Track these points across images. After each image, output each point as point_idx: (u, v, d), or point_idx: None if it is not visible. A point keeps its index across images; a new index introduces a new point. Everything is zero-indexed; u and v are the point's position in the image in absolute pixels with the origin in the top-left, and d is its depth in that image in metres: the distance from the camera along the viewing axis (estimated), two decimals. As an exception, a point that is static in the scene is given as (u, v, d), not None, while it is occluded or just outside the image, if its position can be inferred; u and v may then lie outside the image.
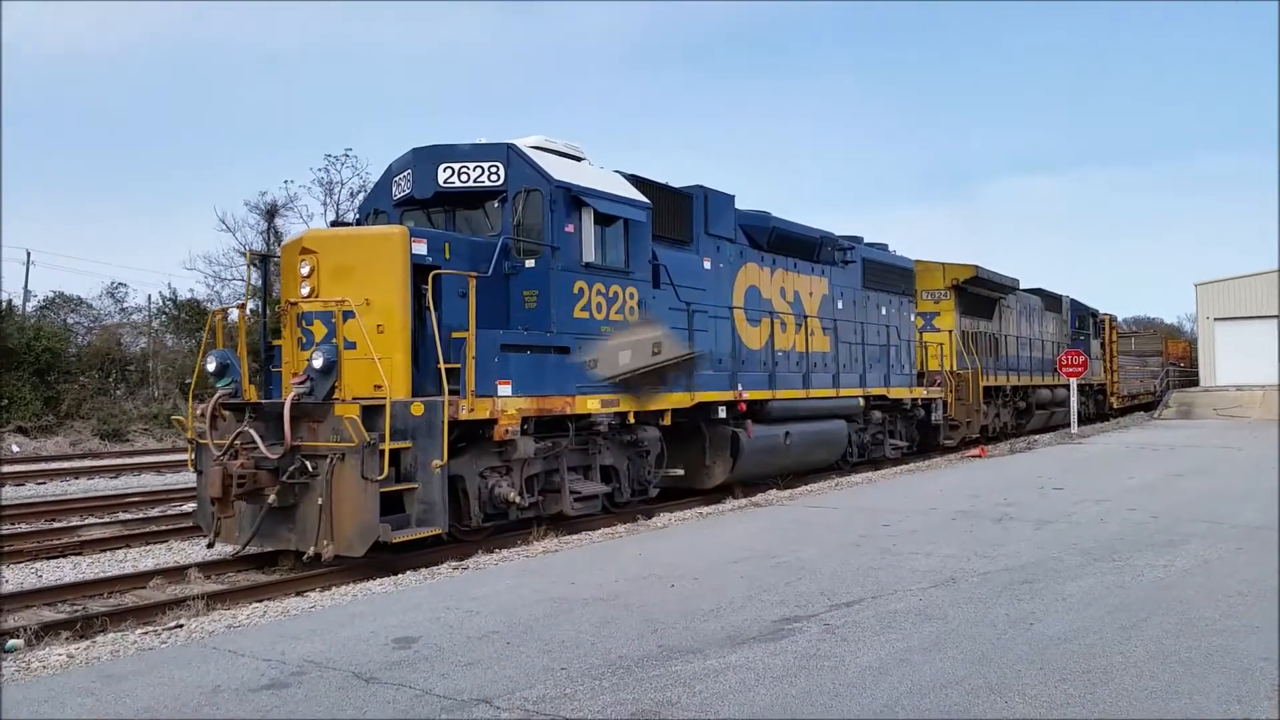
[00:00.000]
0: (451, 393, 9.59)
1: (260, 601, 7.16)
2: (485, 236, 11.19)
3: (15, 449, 24.79)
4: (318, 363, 9.56)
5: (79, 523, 12.76)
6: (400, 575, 7.81)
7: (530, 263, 11.24)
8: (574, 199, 11.41)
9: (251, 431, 9.41)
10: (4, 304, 30.13)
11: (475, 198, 11.72)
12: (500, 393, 10.23)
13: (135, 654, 5.52)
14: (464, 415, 9.71)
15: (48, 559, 10.10)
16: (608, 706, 4.29)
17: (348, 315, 9.69)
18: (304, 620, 6.16)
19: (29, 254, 39.07)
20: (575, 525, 10.74)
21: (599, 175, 12.29)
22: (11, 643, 6.49)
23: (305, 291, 10.27)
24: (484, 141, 11.61)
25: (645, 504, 12.74)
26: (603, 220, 11.76)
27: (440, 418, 9.37)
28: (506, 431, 10.16)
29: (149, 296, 37.54)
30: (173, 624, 6.42)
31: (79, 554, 10.42)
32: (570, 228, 11.40)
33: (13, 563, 9.94)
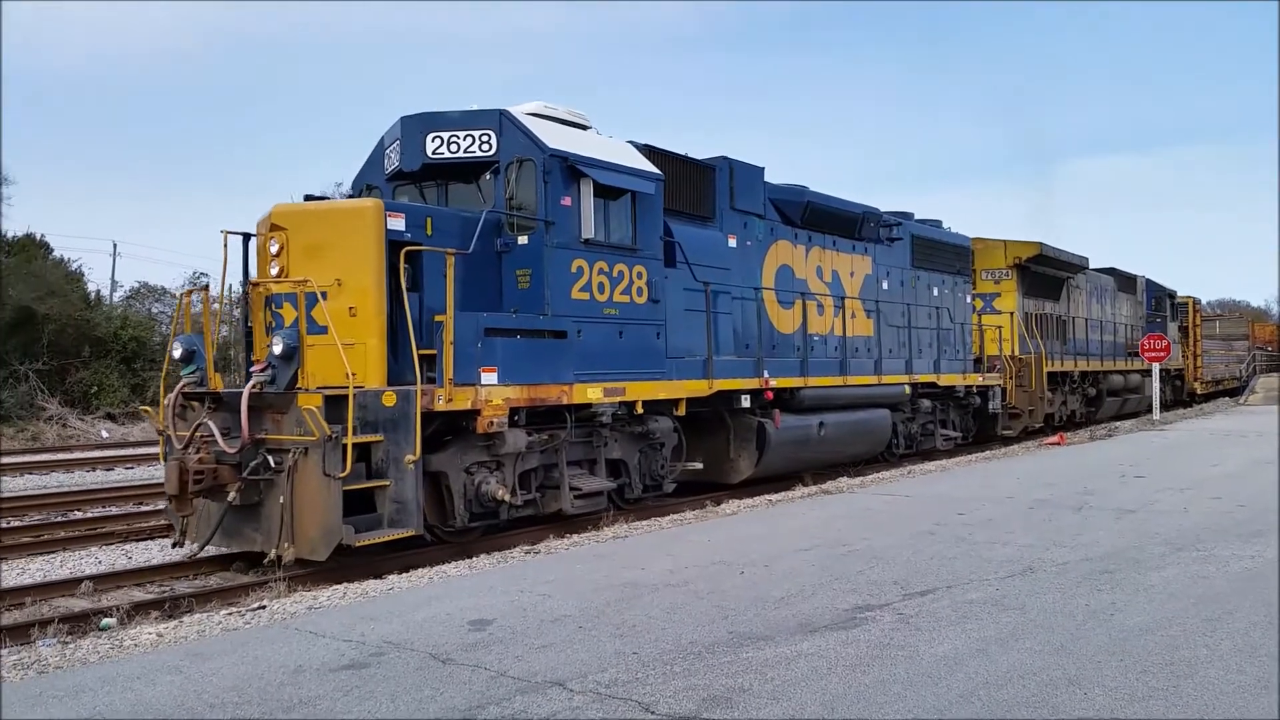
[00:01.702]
0: (430, 381, 9.27)
1: (340, 583, 7.33)
2: (475, 211, 10.73)
3: (105, 434, 25.67)
4: (278, 348, 9.15)
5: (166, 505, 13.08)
6: (474, 559, 8.24)
7: (523, 239, 10.69)
8: (571, 169, 10.82)
9: (211, 424, 9.04)
10: (93, 294, 31.11)
11: (468, 170, 11.19)
12: (484, 381, 9.70)
13: (220, 634, 5.85)
14: (440, 406, 9.25)
15: (136, 541, 10.61)
16: (680, 691, 4.38)
17: (312, 297, 9.28)
18: (382, 602, 6.44)
19: (115, 245, 40.31)
20: (648, 512, 10.56)
21: (603, 144, 11.77)
22: (105, 621, 6.80)
23: (275, 271, 9.82)
24: (476, 108, 11.10)
25: (660, 500, 12.51)
26: (605, 193, 11.20)
27: (413, 409, 8.95)
28: (491, 423, 9.61)
29: (229, 286, 38.34)
30: (256, 605, 6.82)
31: (165, 536, 10.77)
32: (567, 200, 10.80)
33: (104, 544, 10.33)
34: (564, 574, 7.73)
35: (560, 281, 10.63)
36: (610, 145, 11.82)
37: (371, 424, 9.01)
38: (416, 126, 11.14)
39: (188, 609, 7.83)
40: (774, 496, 12.27)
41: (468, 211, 10.57)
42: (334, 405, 8.70)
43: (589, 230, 10.89)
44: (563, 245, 10.66)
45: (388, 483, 9.05)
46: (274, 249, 9.84)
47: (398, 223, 9.85)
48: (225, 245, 10.17)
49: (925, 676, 4.89)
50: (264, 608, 7.09)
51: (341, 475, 8.48)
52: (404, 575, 8.20)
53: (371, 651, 5.62)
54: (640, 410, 11.62)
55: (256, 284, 9.99)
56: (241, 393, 8.86)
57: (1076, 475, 13.45)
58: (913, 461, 16.83)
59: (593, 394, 10.90)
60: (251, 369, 9.34)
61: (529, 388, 10.14)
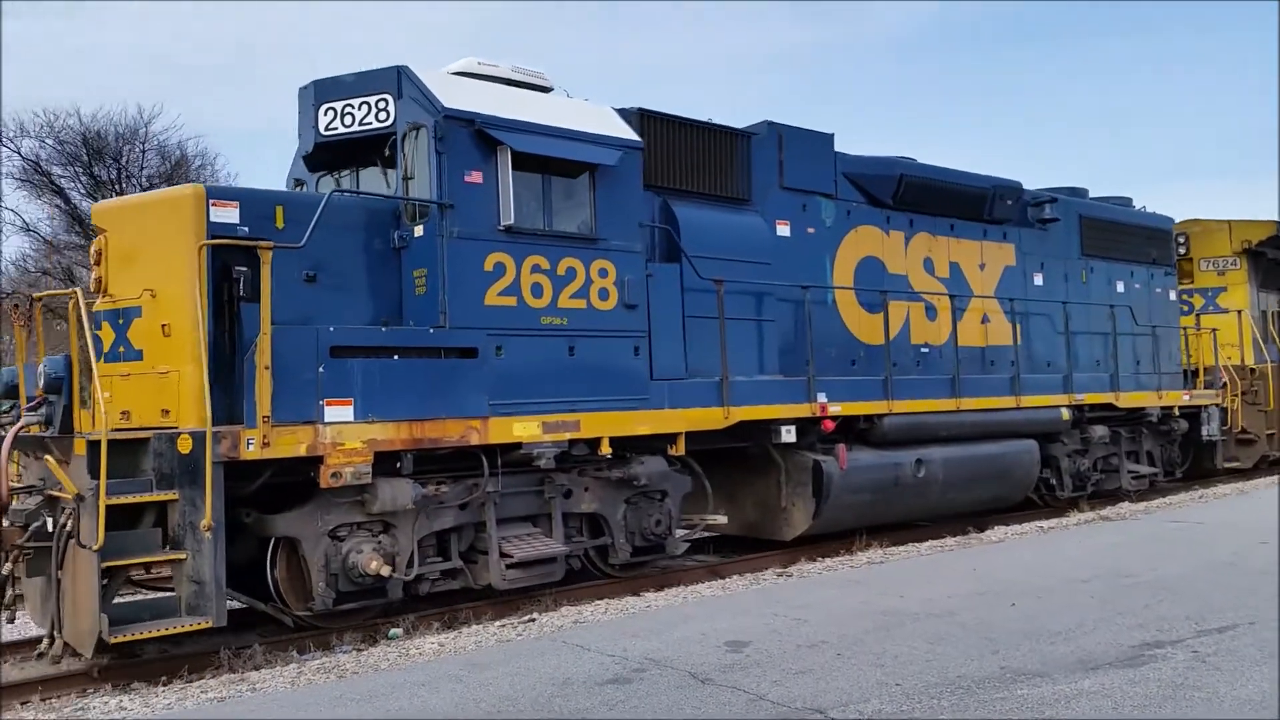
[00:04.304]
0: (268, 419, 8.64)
1: (601, 600, 7.88)
2: (321, 195, 9.21)
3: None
4: (41, 381, 8.13)
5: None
6: (727, 579, 8.76)
7: (419, 230, 9.27)
8: (480, 134, 9.28)
9: None
10: None
11: (370, 146, 9.60)
12: (331, 417, 8.11)
13: (495, 645, 6.95)
14: (252, 453, 7.91)
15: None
16: (949, 727, 4.30)
17: (113, 315, 7.98)
18: (641, 619, 7.41)
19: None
20: (903, 538, 10.07)
21: (558, 106, 10.14)
22: (393, 631, 7.43)
23: (94, 282, 9.15)
24: (376, 68, 9.79)
25: (668, 563, 10.81)
26: (546, 166, 9.57)
27: (205, 458, 7.68)
28: (339, 474, 7.95)
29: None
30: (526, 618, 7.58)
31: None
32: (476, 176, 9.07)
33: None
34: (817, 598, 8.31)
35: (466, 282, 9.08)
36: (568, 107, 10.08)
37: (169, 477, 7.73)
38: (309, 98, 9.71)
39: (465, 621, 8.45)
40: (1046, 523, 12.41)
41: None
42: (120, 451, 7.33)
43: (510, 215, 9.20)
44: (469, 235, 9.02)
45: (184, 555, 7.69)
46: (94, 255, 8.73)
47: (227, 214, 8.16)
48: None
49: (1227, 722, 4.54)
50: (534, 620, 7.79)
51: (94, 547, 7.25)
52: (660, 593, 8.75)
53: (634, 667, 6.12)
54: (607, 450, 9.57)
55: (35, 299, 8.76)
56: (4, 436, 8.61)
57: None
58: (1095, 506, 14.26)
59: (521, 430, 9.17)
60: (26, 407, 8.48)
61: (412, 424, 8.63)
